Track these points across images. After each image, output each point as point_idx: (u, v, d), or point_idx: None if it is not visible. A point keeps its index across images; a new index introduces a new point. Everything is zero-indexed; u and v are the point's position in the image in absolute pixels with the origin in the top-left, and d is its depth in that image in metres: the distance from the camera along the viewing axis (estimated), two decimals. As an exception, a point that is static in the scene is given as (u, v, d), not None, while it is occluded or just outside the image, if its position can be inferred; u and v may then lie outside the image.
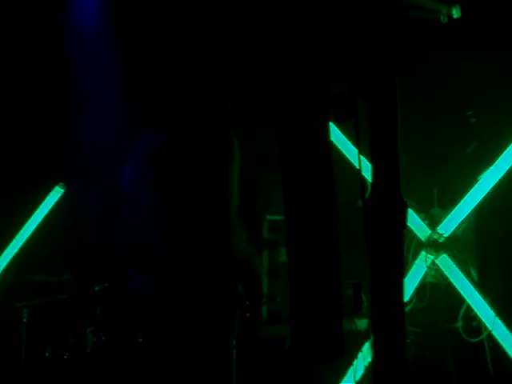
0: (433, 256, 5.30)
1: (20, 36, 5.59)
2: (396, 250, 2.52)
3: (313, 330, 2.65)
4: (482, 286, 5.26)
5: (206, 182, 3.66)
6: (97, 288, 5.22)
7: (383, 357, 2.48)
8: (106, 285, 5.11)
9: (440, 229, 5.32)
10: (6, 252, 5.75)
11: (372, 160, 2.59)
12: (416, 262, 5.35)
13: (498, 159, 5.10)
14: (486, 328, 5.16)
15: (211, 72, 3.91)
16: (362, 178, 2.64)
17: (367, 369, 5.12)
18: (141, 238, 3.82)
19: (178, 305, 3.71)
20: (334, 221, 2.74)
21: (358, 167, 2.67)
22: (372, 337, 2.53)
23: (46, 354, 5.37)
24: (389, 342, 2.50)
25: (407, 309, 5.37)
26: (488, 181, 5.14)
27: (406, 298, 5.34)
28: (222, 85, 3.90)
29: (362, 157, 2.70)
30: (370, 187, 2.63)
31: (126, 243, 3.94)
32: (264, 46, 3.67)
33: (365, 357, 5.13)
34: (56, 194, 5.87)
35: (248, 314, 4.37)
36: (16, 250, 5.79)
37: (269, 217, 5.33)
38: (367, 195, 2.61)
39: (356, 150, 2.73)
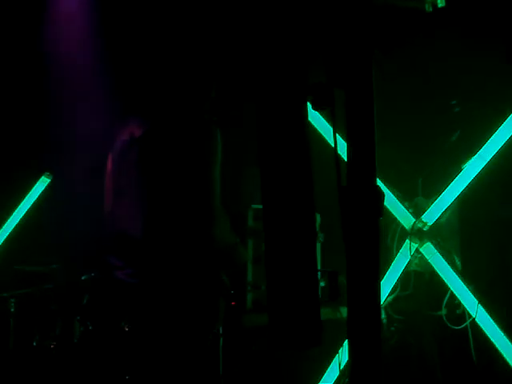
0: (417, 244, 5.33)
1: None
2: (372, 239, 2.55)
3: (290, 317, 2.68)
4: (465, 274, 5.30)
5: (188, 173, 3.68)
6: (84, 277, 5.24)
7: (358, 345, 2.51)
8: (93, 274, 5.13)
9: (424, 217, 5.36)
10: (-6, 243, 5.78)
11: (348, 150, 2.62)
12: (400, 250, 5.38)
13: (482, 148, 5.13)
14: (469, 315, 5.21)
15: (195, 62, 3.92)
16: (339, 167, 2.67)
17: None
18: (123, 227, 3.84)
19: (161, 293, 3.73)
20: (312, 209, 2.76)
21: (335, 156, 2.70)
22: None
23: (34, 344, 5.39)
24: (364, 332, 2.52)
25: (391, 297, 5.42)
26: (472, 170, 5.17)
27: (391, 286, 5.38)
28: (205, 75, 3.91)
29: (339, 146, 2.72)
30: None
31: (110, 232, 3.96)
32: (244, 36, 3.68)
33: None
34: (42, 183, 5.88)
35: (233, 303, 4.40)
36: (3, 240, 5.80)
37: (254, 206, 5.35)
38: (344, 183, 2.63)
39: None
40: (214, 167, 3.69)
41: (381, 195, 2.61)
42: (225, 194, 3.79)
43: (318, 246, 5.25)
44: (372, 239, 2.54)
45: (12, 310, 5.55)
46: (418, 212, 5.41)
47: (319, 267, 5.03)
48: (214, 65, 4.05)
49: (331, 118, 2.73)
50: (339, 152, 2.66)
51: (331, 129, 5.26)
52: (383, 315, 5.46)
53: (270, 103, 2.79)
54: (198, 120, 3.78)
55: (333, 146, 2.67)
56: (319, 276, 2.81)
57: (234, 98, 5.07)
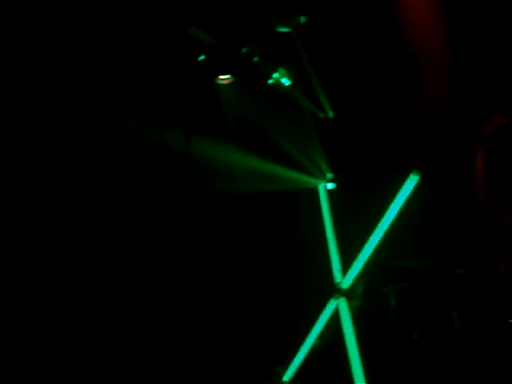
0: None
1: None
2: None
3: None
4: None
5: None
6: (458, 271, 5.30)
7: None
8: (468, 268, 5.16)
9: None
10: (370, 240, 6.07)
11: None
12: None
13: None
14: None
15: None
16: None
17: None
18: (505, 221, 3.83)
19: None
20: None
21: None
22: None
23: (414, 337, 5.58)
24: None
25: None
26: None
27: None
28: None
29: None
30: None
31: (490, 226, 3.97)
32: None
33: None
34: (412, 181, 6.04)
35: None
36: (379, 238, 6.07)
37: None
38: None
39: None
40: None
41: None
42: None
43: None
44: None
45: (392, 303, 5.81)
46: None
47: None
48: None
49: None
50: None
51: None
52: None
53: None
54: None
55: None
56: None
57: None
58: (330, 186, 6.29)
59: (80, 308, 5.73)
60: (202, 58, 5.23)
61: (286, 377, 6.16)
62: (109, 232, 5.99)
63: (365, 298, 6.11)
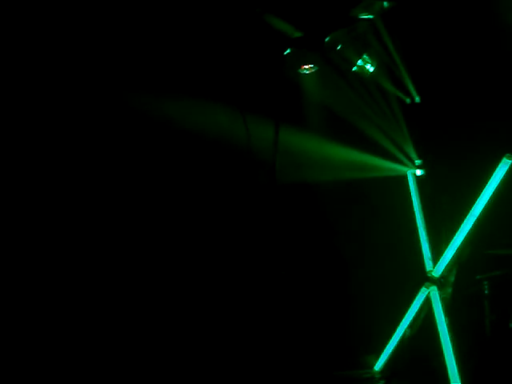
0: None
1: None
2: None
3: None
4: None
5: None
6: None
7: None
8: None
9: None
10: (462, 227, 5.91)
11: None
12: None
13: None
14: None
15: None
16: None
17: None
18: None
19: None
20: None
21: None
22: None
23: (510, 326, 5.46)
24: None
25: None
26: None
27: None
28: None
29: None
30: None
31: None
32: None
33: None
34: (504, 165, 5.86)
35: None
36: (471, 225, 5.91)
37: None
38: None
39: None
40: None
41: None
42: None
43: None
44: None
45: (486, 292, 5.69)
46: None
47: None
48: None
49: None
50: None
51: None
52: None
53: None
54: None
55: None
56: None
57: None
58: (419, 172, 6.20)
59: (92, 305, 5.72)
60: (288, 51, 5.22)
61: (377, 366, 6.13)
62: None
63: (457, 287, 5.98)
